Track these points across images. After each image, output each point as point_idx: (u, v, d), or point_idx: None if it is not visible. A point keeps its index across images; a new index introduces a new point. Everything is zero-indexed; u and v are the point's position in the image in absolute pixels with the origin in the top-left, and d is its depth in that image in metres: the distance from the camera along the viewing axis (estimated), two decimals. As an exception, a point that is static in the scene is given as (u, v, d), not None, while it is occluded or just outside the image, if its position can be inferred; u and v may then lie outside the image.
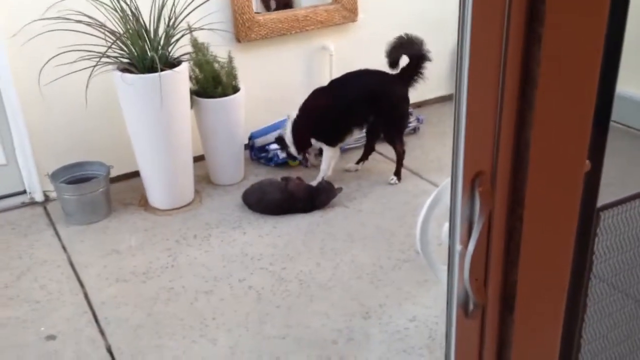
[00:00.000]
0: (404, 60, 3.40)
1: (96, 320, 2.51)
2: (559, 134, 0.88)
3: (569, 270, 1.01)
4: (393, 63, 3.36)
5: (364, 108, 3.36)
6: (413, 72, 3.37)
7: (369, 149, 3.64)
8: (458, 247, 0.92)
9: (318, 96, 3.41)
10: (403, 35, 3.34)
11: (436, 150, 3.79)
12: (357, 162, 3.64)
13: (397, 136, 3.46)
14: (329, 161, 3.43)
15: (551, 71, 0.82)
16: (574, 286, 1.21)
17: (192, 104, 3.32)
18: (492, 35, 0.80)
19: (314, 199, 3.21)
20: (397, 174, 3.48)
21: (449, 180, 0.95)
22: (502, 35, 0.80)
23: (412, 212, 3.13)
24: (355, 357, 2.24)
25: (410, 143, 3.87)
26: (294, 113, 3.42)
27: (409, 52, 3.36)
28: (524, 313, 0.98)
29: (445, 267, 0.98)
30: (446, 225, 0.97)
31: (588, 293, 1.26)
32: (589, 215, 1.14)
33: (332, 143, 3.41)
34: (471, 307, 0.96)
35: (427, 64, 3.37)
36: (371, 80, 3.41)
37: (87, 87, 2.85)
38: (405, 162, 3.57)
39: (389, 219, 3.11)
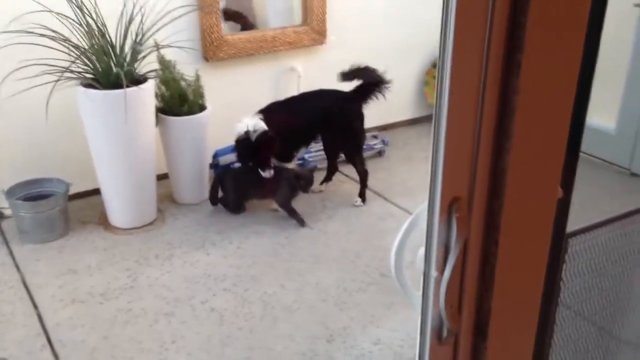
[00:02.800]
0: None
1: (50, 343, 2.41)
2: (534, 161, 0.89)
3: (540, 295, 1.01)
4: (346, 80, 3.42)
5: (317, 126, 3.40)
6: (368, 91, 3.41)
7: (332, 169, 3.64)
8: (434, 273, 0.91)
9: (275, 111, 3.36)
10: (357, 66, 3.41)
11: (402, 173, 3.81)
12: (321, 183, 3.61)
13: (356, 154, 3.46)
14: None
15: (529, 100, 0.83)
16: (542, 312, 1.22)
17: (158, 121, 3.27)
18: (472, 62, 0.81)
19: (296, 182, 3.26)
20: (362, 195, 3.47)
21: (425, 205, 0.95)
22: (482, 62, 0.81)
23: (377, 235, 3.13)
24: (319, 382, 2.21)
25: (376, 165, 3.89)
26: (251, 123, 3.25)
27: (364, 79, 3.42)
28: (497, 340, 0.97)
29: (419, 293, 0.97)
30: (421, 250, 0.96)
31: (555, 319, 1.27)
32: (559, 241, 1.15)
33: (285, 159, 3.40)
34: (445, 333, 0.95)
35: (387, 88, 3.43)
36: (325, 99, 3.43)
37: (48, 102, 2.77)
38: (371, 184, 3.58)
39: (354, 241, 3.10)
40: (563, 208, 1.12)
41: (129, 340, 2.43)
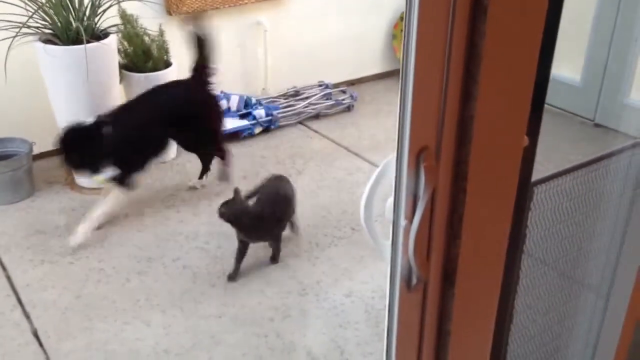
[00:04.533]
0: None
1: (21, 304, 2.39)
2: (501, 108, 0.90)
3: (506, 242, 1.04)
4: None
5: (164, 132, 2.96)
6: (204, 73, 2.97)
7: (206, 163, 3.20)
8: (403, 222, 0.92)
9: (121, 116, 2.84)
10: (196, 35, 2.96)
11: (370, 128, 3.82)
12: (200, 177, 3.19)
13: (217, 142, 3.13)
14: (112, 206, 2.86)
15: (495, 46, 0.83)
16: (508, 259, 1.25)
17: (121, 78, 3.19)
18: (439, 8, 0.80)
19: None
20: (226, 177, 3.15)
21: (393, 155, 0.96)
22: (449, 8, 0.80)
23: (347, 189, 3.16)
24: (292, 333, 2.25)
25: (344, 121, 3.89)
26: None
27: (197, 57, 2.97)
28: (464, 286, 1.00)
29: (388, 243, 0.99)
30: (390, 200, 0.97)
31: (521, 266, 1.31)
32: (524, 189, 1.17)
33: (129, 188, 2.89)
34: (414, 281, 0.97)
35: (213, 70, 2.99)
36: (167, 95, 2.97)
37: (6, 59, 2.68)
38: (340, 139, 3.59)
39: (324, 196, 3.12)
40: (529, 156, 1.13)
41: (101, 299, 2.43)
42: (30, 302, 2.40)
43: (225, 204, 2.45)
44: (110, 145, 2.70)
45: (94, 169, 2.74)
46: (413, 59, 0.82)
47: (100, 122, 2.71)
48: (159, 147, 3.01)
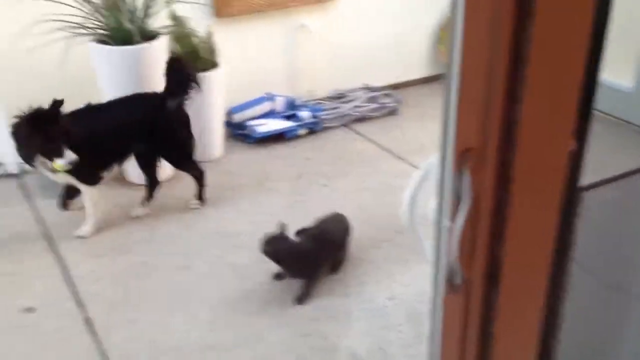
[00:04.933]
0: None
1: (74, 294, 2.49)
2: (546, 112, 0.90)
3: (551, 246, 1.03)
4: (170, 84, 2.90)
5: (130, 139, 2.90)
6: (181, 88, 2.90)
7: (153, 183, 3.06)
8: (446, 222, 0.93)
9: (85, 116, 2.81)
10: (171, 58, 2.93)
11: (414, 131, 3.81)
12: (144, 202, 3.05)
13: (186, 161, 3.04)
14: (93, 201, 2.87)
15: (542, 49, 0.83)
16: (556, 265, 1.24)
17: (171, 78, 3.27)
18: (484, 12, 0.81)
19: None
20: (200, 197, 3.07)
21: (434, 157, 0.97)
22: (494, 11, 0.81)
23: (390, 192, 3.15)
24: (335, 334, 2.27)
25: (388, 124, 3.89)
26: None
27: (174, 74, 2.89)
28: (509, 287, 1.00)
29: (431, 243, 1.00)
30: (432, 201, 0.98)
31: (569, 273, 1.29)
32: (572, 194, 1.16)
33: (92, 181, 2.86)
34: (457, 281, 0.98)
35: (196, 87, 2.94)
36: (136, 106, 2.91)
37: (63, 58, 2.80)
38: (384, 142, 3.59)
39: (367, 199, 3.13)
40: (576, 161, 1.12)
41: (149, 292, 2.50)
42: (83, 293, 2.49)
43: (270, 241, 2.39)
44: (67, 129, 2.61)
45: (53, 152, 2.59)
46: (458, 61, 0.83)
47: (55, 105, 2.65)
48: (119, 152, 2.93)
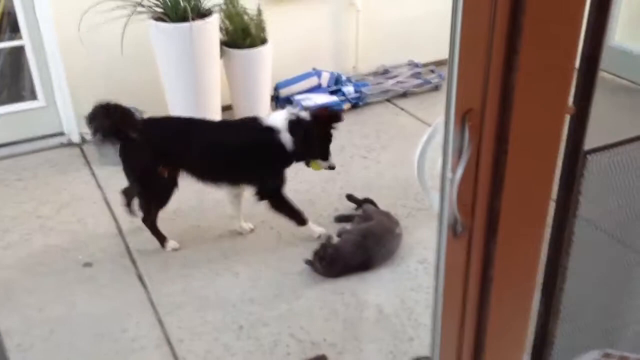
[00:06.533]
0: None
1: (128, 252, 2.72)
2: (542, 78, 1.01)
3: (548, 203, 1.14)
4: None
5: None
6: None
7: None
8: (449, 174, 1.06)
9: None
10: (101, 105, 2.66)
11: (457, 107, 3.86)
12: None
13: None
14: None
15: (534, 21, 0.94)
16: (559, 222, 1.35)
17: (222, 54, 3.45)
18: (483, -13, 0.92)
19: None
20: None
21: (442, 117, 1.09)
22: (492, -12, 0.92)
23: (429, 165, 3.25)
24: (366, 293, 2.42)
25: (431, 100, 3.98)
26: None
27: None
28: (506, 237, 1.12)
29: (438, 194, 1.13)
30: (441, 158, 1.11)
31: (573, 230, 1.39)
32: (575, 156, 1.26)
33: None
34: (459, 229, 1.11)
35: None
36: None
37: (123, 34, 3.00)
38: (425, 117, 3.69)
39: (406, 170, 3.23)
40: (579, 125, 1.23)
41: (197, 252, 2.71)
42: (137, 251, 2.72)
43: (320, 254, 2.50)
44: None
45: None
46: (459, 29, 0.95)
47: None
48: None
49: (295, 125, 2.58)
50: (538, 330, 1.50)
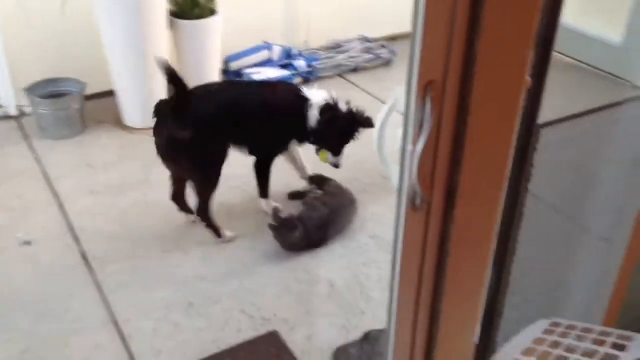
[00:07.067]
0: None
1: (71, 229, 2.61)
2: (503, 49, 1.00)
3: (505, 175, 1.14)
4: None
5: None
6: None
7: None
8: (410, 146, 1.04)
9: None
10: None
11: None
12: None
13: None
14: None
15: (499, -10, 0.92)
16: (512, 195, 1.36)
17: (170, 25, 3.33)
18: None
19: None
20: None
21: (403, 88, 1.07)
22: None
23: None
24: (318, 268, 2.41)
25: (382, 75, 3.97)
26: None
27: None
28: (464, 210, 1.11)
29: (398, 167, 1.11)
30: (401, 130, 1.09)
31: (525, 203, 1.41)
32: (529, 129, 1.27)
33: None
34: (418, 202, 1.09)
35: None
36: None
37: (63, 2, 2.85)
38: (377, 93, 3.67)
39: (359, 146, 3.21)
40: (534, 98, 1.23)
41: (145, 229, 2.63)
42: (80, 228, 2.62)
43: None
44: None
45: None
46: (423, 0, 0.93)
47: None
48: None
49: (328, 109, 2.57)
50: (488, 301, 1.52)
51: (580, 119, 1.46)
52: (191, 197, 2.61)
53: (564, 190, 1.48)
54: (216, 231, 2.55)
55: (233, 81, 2.83)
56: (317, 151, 2.72)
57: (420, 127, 1.02)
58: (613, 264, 1.62)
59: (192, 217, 2.63)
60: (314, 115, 2.57)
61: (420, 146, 1.01)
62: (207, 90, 2.58)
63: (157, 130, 2.45)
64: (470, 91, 1.01)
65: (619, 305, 1.73)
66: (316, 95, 2.61)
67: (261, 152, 2.66)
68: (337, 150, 2.69)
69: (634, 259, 1.63)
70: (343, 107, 2.63)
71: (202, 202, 2.51)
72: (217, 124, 2.43)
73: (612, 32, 3.64)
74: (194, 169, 2.46)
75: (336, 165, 2.71)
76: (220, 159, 2.48)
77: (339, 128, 2.62)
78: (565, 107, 1.43)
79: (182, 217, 2.68)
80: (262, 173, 2.69)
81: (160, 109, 2.43)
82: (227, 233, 2.56)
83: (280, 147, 2.69)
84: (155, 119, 2.44)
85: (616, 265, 1.62)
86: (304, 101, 2.58)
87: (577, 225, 1.57)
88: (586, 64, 3.66)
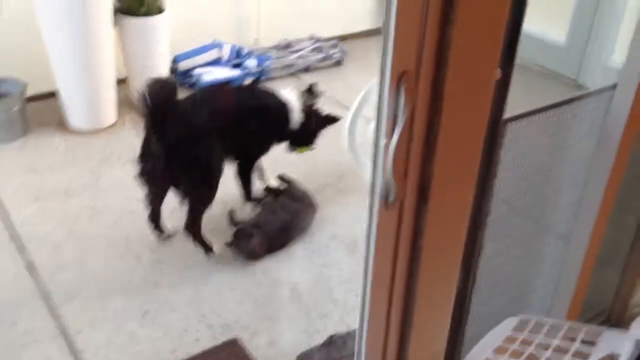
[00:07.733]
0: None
1: (15, 237, 2.47)
2: (475, 39, 0.98)
3: (477, 167, 1.13)
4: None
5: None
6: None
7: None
8: (383, 140, 1.01)
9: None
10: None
11: (359, 82, 3.83)
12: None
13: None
14: None
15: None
16: (479, 191, 1.35)
17: (116, 22, 3.21)
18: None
19: None
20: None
21: (374, 81, 1.04)
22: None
23: (334, 139, 3.22)
24: (278, 271, 2.36)
25: (333, 75, 3.95)
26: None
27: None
28: (437, 205, 1.09)
29: (370, 162, 1.07)
30: (373, 123, 1.05)
31: (493, 197, 1.40)
32: (497, 123, 1.26)
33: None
34: (392, 198, 1.06)
35: None
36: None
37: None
38: (329, 93, 3.65)
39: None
40: (502, 92, 1.22)
41: (94, 235, 2.52)
42: (25, 236, 2.48)
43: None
44: None
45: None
46: (397, -12, 0.89)
47: None
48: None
49: (309, 110, 2.73)
50: (457, 298, 1.51)
51: (531, 117, 1.46)
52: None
53: (521, 189, 1.49)
54: (206, 247, 2.43)
55: (213, 88, 2.92)
56: (293, 149, 2.77)
57: (394, 119, 0.99)
58: (573, 262, 1.64)
59: (167, 233, 2.52)
60: (296, 117, 2.64)
61: (394, 139, 0.98)
62: (193, 99, 2.47)
63: (147, 154, 2.33)
64: (444, 81, 0.98)
65: (581, 302, 1.75)
66: (291, 96, 2.67)
67: (248, 157, 2.64)
68: (311, 143, 2.82)
69: (593, 257, 1.65)
70: (318, 108, 2.79)
71: (195, 218, 2.39)
72: (210, 132, 2.33)
73: (557, 32, 3.74)
74: (194, 183, 2.36)
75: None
76: (218, 170, 2.40)
77: (320, 127, 2.78)
78: (515, 106, 1.43)
79: (132, 222, 2.57)
80: (247, 177, 2.67)
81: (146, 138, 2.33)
82: (216, 247, 2.44)
83: (265, 150, 2.69)
84: (141, 149, 2.33)
85: (577, 263, 1.64)
86: (285, 103, 2.63)
87: (536, 223, 1.58)
88: (533, 63, 3.75)
